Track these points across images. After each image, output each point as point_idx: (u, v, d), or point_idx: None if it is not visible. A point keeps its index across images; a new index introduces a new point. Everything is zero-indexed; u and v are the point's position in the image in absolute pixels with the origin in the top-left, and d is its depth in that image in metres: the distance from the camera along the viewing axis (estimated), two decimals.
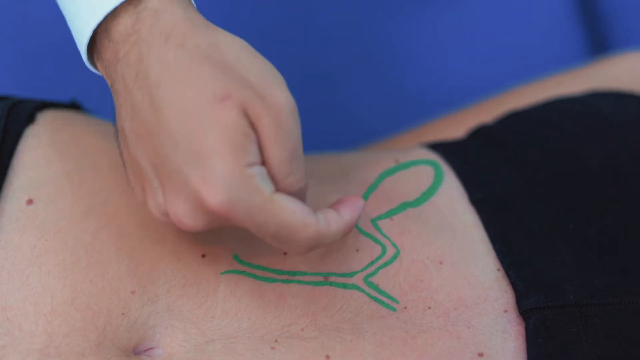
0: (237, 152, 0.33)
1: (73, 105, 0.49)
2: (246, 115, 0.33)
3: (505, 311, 0.38)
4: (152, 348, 0.36)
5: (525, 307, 0.38)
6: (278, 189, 0.34)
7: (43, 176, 0.40)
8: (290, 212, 0.34)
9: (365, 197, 0.43)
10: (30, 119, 0.43)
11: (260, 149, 0.34)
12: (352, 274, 0.39)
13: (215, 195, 0.32)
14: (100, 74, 0.39)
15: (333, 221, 0.36)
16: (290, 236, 0.34)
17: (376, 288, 0.38)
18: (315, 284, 0.38)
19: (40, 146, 0.42)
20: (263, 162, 0.34)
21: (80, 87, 0.69)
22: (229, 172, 0.32)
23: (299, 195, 0.35)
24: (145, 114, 0.34)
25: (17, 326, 0.35)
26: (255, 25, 0.73)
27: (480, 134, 0.51)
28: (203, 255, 0.39)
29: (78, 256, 0.37)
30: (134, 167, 0.36)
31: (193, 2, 0.37)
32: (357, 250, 0.40)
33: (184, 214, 0.34)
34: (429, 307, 0.38)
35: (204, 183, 0.32)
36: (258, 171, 0.33)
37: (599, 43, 0.78)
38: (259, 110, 0.33)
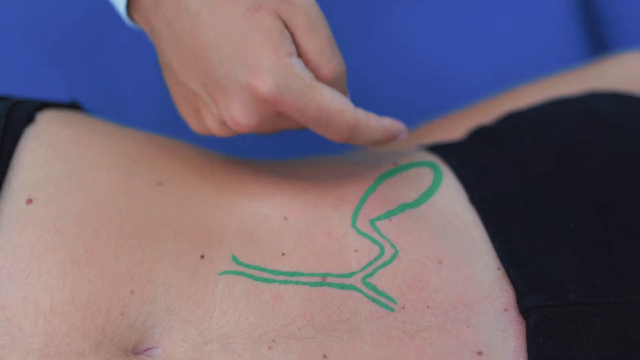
0: (276, 47, 0.38)
1: (73, 105, 0.49)
2: (279, 18, 0.39)
3: (505, 310, 0.38)
4: (151, 348, 0.36)
5: (526, 306, 0.38)
6: (322, 76, 0.40)
7: (43, 176, 0.40)
8: (328, 99, 0.39)
9: (364, 199, 0.43)
10: (30, 119, 0.43)
11: (297, 45, 0.39)
12: (350, 275, 0.39)
13: (264, 83, 0.38)
14: (137, 27, 0.45)
15: (372, 119, 0.42)
16: (330, 121, 0.39)
17: (374, 288, 0.38)
18: (313, 284, 0.38)
19: (40, 146, 0.42)
20: (300, 56, 0.39)
21: (80, 87, 0.69)
22: (273, 64, 0.38)
23: (341, 80, 0.41)
24: (189, 41, 0.39)
25: (16, 326, 0.35)
26: None
27: (480, 134, 0.51)
28: (202, 256, 0.39)
29: (78, 255, 0.37)
30: (185, 94, 0.42)
31: None
32: (355, 250, 0.40)
33: (239, 113, 0.39)
34: (428, 307, 0.38)
35: (253, 77, 0.38)
36: (296, 61, 0.39)
37: (599, 43, 0.78)
38: (289, 11, 0.39)
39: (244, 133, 0.41)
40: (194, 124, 0.44)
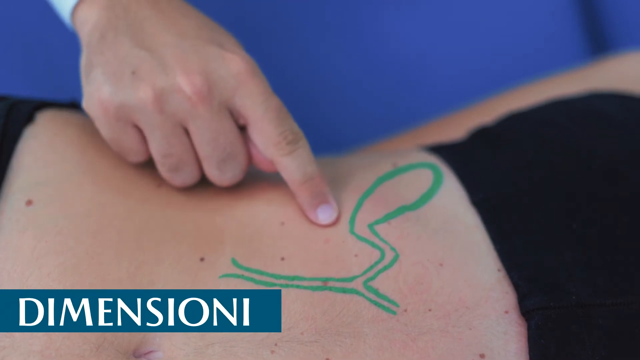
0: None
1: (73, 105, 0.49)
2: None
3: (507, 312, 0.38)
4: (152, 351, 0.36)
5: (527, 307, 0.38)
6: None
7: (42, 177, 0.40)
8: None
9: (361, 202, 0.43)
10: (29, 119, 0.43)
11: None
12: (351, 279, 0.39)
13: (242, 58, 0.40)
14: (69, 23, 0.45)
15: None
16: (279, 119, 0.41)
17: (376, 292, 0.38)
18: (314, 288, 0.38)
19: (39, 147, 0.42)
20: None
21: (79, 87, 0.69)
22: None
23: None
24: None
25: None
26: (254, 24, 0.73)
27: (481, 134, 0.51)
28: (202, 259, 0.39)
29: (79, 258, 0.37)
30: (126, 56, 0.40)
31: None
32: (356, 255, 0.40)
33: (200, 79, 0.39)
34: (430, 310, 0.38)
35: (229, 52, 0.40)
36: None
37: (599, 43, 0.78)
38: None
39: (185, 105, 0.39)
40: (116, 88, 0.40)
